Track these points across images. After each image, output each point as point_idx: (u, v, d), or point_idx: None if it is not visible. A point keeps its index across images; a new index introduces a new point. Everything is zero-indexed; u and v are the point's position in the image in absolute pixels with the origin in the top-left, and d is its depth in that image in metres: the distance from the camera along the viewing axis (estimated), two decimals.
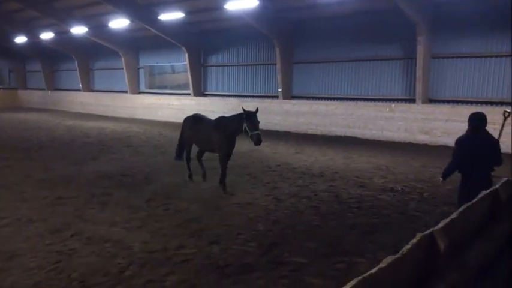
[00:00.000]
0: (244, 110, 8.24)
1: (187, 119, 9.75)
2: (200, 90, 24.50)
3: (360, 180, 9.90)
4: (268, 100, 20.63)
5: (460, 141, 5.66)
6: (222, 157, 8.72)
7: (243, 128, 8.14)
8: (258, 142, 8.00)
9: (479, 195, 2.98)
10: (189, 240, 6.00)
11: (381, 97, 17.33)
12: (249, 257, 5.43)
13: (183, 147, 9.90)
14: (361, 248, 5.74)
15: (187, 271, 5.01)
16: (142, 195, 8.36)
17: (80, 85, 32.39)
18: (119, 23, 22.09)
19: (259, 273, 4.97)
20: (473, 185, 5.27)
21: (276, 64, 20.01)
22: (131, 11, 20.71)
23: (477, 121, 5.53)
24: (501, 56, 14.37)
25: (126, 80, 28.18)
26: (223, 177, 8.77)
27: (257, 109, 8.38)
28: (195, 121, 9.44)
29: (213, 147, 8.99)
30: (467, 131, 5.62)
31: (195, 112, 24.77)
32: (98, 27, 24.48)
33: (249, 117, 8.10)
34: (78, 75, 32.10)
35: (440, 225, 2.25)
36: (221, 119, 9.07)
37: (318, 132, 17.92)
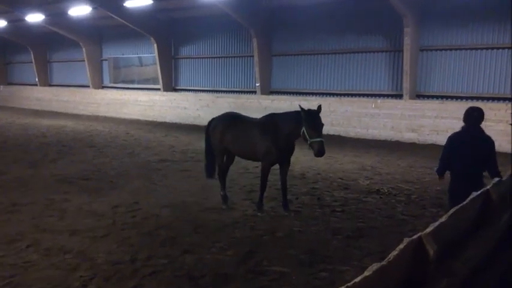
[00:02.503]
0: (301, 108, 7.01)
1: (217, 121, 8.13)
2: (171, 85, 24.33)
3: (344, 181, 10.01)
4: (245, 96, 20.68)
5: (450, 137, 5.81)
6: (265, 167, 7.57)
7: (301, 132, 6.96)
8: (319, 153, 6.77)
9: (470, 197, 3.05)
10: (159, 249, 5.96)
11: (366, 92, 17.55)
12: (225, 266, 5.42)
13: (213, 159, 8.25)
14: (345, 255, 5.80)
15: (157, 284, 4.97)
16: (106, 201, 8.25)
17: (37, 79, 31.79)
18: (79, 10, 21.70)
19: (237, 284, 4.98)
20: (463, 185, 5.42)
21: (253, 56, 20.03)
22: None
23: (469, 117, 5.65)
24: (493, 48, 14.73)
25: (88, 74, 27.80)
26: (262, 192, 7.69)
27: (319, 107, 7.05)
28: (231, 122, 7.93)
29: (257, 154, 7.62)
30: (462, 127, 5.73)
31: (165, 108, 24.22)
32: (57, 15, 24.00)
33: (310, 118, 6.84)
34: (35, 68, 31.49)
35: (429, 229, 2.29)
36: (271, 117, 7.64)
37: None
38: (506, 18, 14.29)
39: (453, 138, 5.77)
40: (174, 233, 6.58)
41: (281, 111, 7.88)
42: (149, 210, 7.74)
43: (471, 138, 5.62)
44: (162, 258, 5.66)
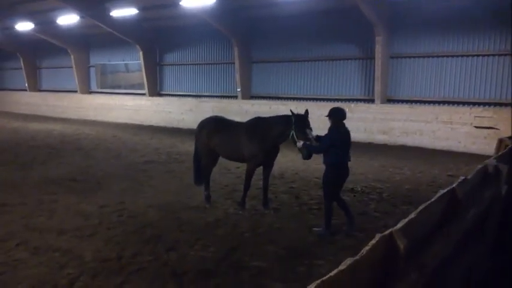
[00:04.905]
0: (292, 112, 6.95)
1: (204, 124, 8.05)
2: (156, 90, 24.17)
3: (320, 181, 10.00)
4: (227, 100, 20.66)
5: (334, 133, 6.39)
6: (250, 169, 7.49)
7: (290, 135, 6.88)
8: (308, 156, 6.77)
9: (437, 195, 3.08)
10: (145, 247, 5.89)
11: (340, 97, 17.68)
12: (208, 262, 5.39)
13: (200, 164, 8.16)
14: (321, 250, 5.83)
15: (142, 280, 4.91)
16: (94, 201, 8.13)
17: (26, 85, 31.28)
18: (68, 19, 21.42)
19: (219, 279, 4.95)
20: (344, 172, 6.49)
21: (234, 63, 20.03)
22: (81, 6, 20.11)
23: (341, 116, 6.39)
24: (458, 56, 15.00)
25: (76, 79, 27.47)
26: (245, 192, 7.66)
27: (307, 111, 7.00)
28: (218, 125, 7.85)
29: (244, 157, 7.54)
30: (332, 124, 6.42)
31: (151, 112, 24.01)
32: (46, 24, 23.66)
33: (300, 122, 6.80)
34: (24, 74, 31.00)
35: (399, 225, 2.30)
36: (257, 121, 7.61)
37: None
38: (469, 28, 14.58)
39: (338, 134, 6.35)
40: (159, 231, 6.52)
41: (262, 115, 7.90)
42: (135, 209, 7.65)
43: (345, 132, 6.38)
44: (148, 255, 5.60)
